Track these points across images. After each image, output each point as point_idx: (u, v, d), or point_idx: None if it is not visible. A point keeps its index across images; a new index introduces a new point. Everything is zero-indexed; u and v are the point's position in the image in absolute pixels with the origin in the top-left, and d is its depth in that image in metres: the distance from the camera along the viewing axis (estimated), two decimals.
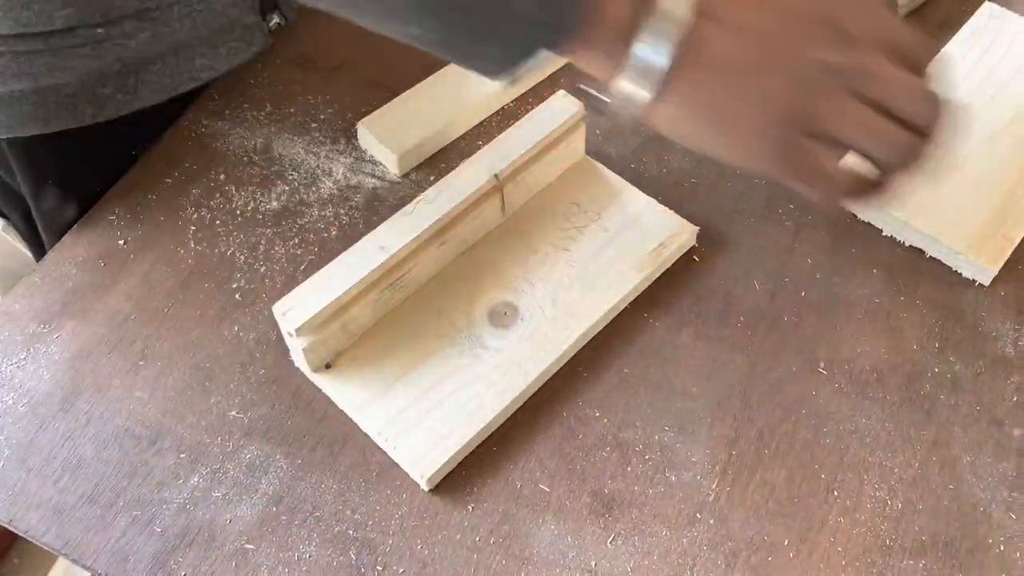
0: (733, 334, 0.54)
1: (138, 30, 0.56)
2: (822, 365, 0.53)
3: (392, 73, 0.66)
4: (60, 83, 0.56)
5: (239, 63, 0.64)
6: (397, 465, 0.49)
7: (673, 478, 0.49)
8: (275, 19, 0.67)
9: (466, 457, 0.50)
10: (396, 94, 0.64)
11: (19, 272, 0.71)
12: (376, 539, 0.47)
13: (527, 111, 0.65)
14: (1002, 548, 0.46)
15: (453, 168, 0.56)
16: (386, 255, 0.50)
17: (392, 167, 0.62)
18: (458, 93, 0.64)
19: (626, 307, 0.55)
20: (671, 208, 0.57)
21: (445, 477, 0.49)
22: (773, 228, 0.59)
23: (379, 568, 0.46)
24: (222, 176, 0.63)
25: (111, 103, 0.59)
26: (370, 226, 0.59)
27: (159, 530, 0.47)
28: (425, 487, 0.48)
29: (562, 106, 0.57)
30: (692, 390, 0.52)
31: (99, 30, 0.55)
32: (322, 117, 0.66)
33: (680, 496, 0.48)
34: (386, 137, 0.62)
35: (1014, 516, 0.47)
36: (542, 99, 0.66)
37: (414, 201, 0.53)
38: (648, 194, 0.58)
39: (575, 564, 0.46)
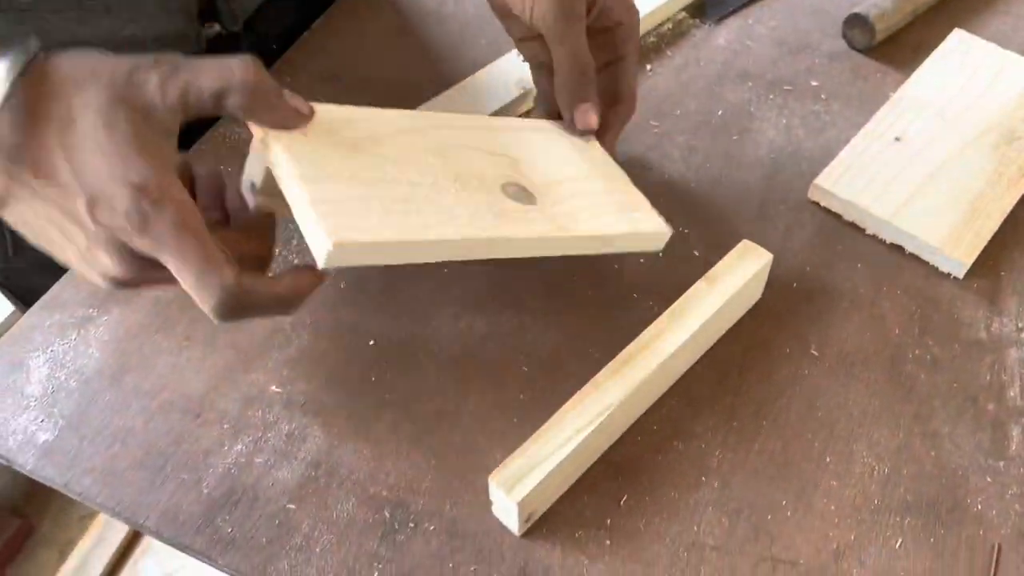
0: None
1: (65, 6, 0.58)
2: (813, 348, 0.58)
3: (416, 88, 0.72)
4: None
5: None
6: (428, 433, 0.53)
7: (680, 446, 0.53)
8: (216, 28, 0.70)
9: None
10: (418, 107, 0.70)
11: None
12: (408, 500, 0.51)
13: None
14: (979, 507, 0.51)
15: None
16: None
17: None
18: (478, 105, 0.70)
19: (635, 296, 0.60)
20: (671, 211, 0.62)
21: (468, 444, 0.53)
22: (766, 228, 0.64)
23: (411, 525, 0.50)
24: None
25: None
26: None
27: (206, 491, 0.51)
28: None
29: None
30: (696, 369, 0.56)
31: None
32: None
33: (687, 462, 0.53)
34: None
35: (989, 479, 0.52)
36: None
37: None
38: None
39: (591, 522, 0.50)
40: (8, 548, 1.45)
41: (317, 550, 0.49)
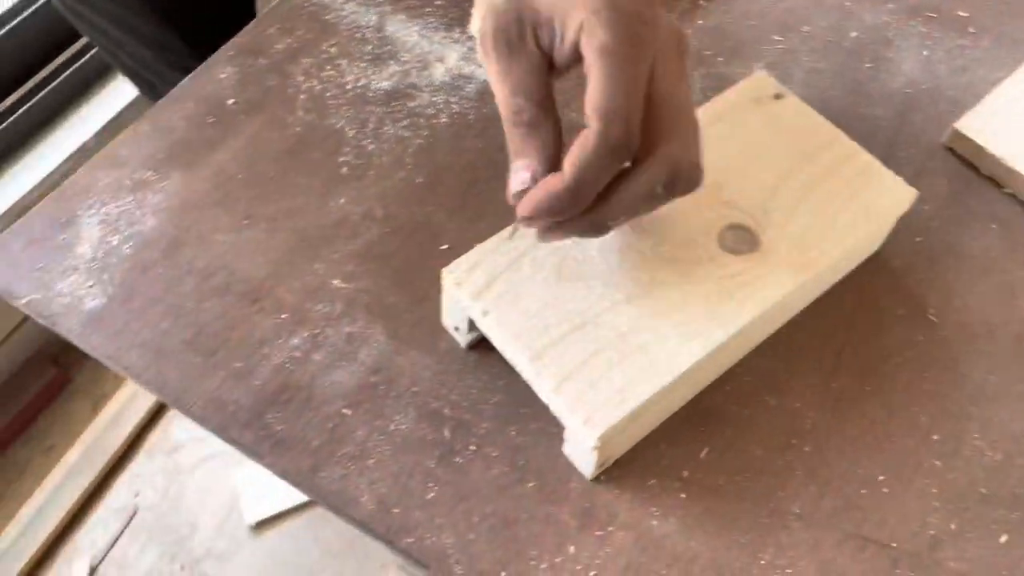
0: None
1: None
2: (931, 312, 0.52)
3: None
4: None
5: None
6: (494, 352, 0.49)
7: (772, 402, 0.49)
8: None
9: None
10: None
11: None
12: (471, 421, 0.47)
13: None
14: None
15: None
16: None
17: None
18: None
19: None
20: None
21: None
22: (893, 170, 0.57)
23: (472, 448, 0.46)
24: (334, 50, 0.61)
25: None
26: (481, 118, 0.59)
27: (258, 384, 0.48)
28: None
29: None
30: (798, 320, 0.51)
31: None
32: (437, 2, 0.64)
33: (777, 420, 0.48)
34: None
35: None
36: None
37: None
38: None
39: (667, 472, 0.46)
40: (42, 396, 1.47)
41: (371, 461, 0.46)
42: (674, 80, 0.40)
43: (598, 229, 0.42)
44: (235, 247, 0.52)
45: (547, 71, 0.41)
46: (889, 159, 0.58)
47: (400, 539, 0.44)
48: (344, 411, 0.47)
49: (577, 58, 0.40)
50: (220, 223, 0.53)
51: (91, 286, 0.50)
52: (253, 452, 0.46)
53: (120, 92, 1.37)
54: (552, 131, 0.41)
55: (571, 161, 0.39)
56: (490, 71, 0.41)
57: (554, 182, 0.39)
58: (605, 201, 0.40)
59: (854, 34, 0.64)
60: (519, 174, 0.41)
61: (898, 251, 0.54)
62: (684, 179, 0.40)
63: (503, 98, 0.41)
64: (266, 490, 1.37)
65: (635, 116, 0.38)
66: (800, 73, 0.62)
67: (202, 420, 0.47)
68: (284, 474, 0.45)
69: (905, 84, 0.62)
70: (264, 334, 0.49)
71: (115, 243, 0.52)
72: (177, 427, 1.47)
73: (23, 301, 0.49)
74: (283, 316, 0.50)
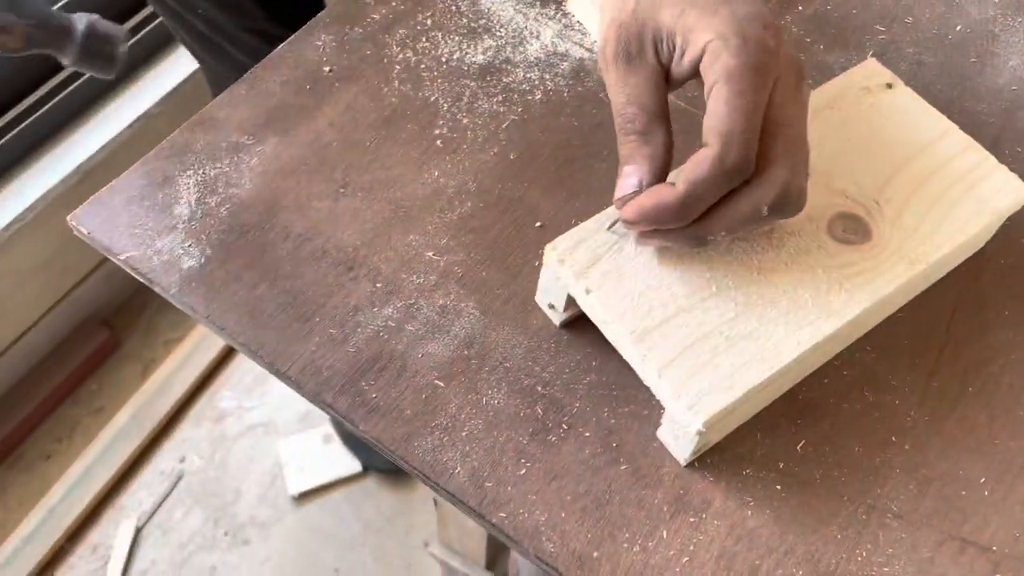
0: None
1: None
2: None
3: None
4: None
5: None
6: (587, 332, 0.49)
7: (871, 397, 0.48)
8: None
9: None
10: None
11: None
12: (564, 399, 0.47)
13: None
14: None
15: None
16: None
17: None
18: None
19: None
20: None
21: None
22: None
23: (565, 427, 0.46)
24: (429, 22, 0.61)
25: None
26: (575, 97, 0.58)
27: (352, 351, 0.48)
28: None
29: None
30: (899, 316, 0.50)
31: None
32: None
33: (876, 416, 0.47)
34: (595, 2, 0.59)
35: None
36: None
37: None
38: None
39: (763, 463, 0.46)
40: (93, 358, 1.49)
41: (463, 434, 0.46)
42: (792, 107, 0.40)
43: (697, 242, 0.42)
44: (332, 214, 0.52)
45: (663, 83, 0.42)
46: (995, 156, 0.56)
47: (493, 513, 0.44)
48: (437, 382, 0.47)
49: (694, 75, 0.41)
50: (317, 190, 0.53)
51: (189, 246, 0.50)
52: (347, 418, 0.46)
53: (183, 63, 1.38)
54: (663, 141, 0.42)
55: (685, 177, 0.40)
56: (607, 78, 0.42)
57: (665, 193, 0.40)
58: (709, 216, 0.41)
59: (959, 27, 0.62)
60: (627, 179, 0.42)
61: (1002, 250, 0.53)
62: (792, 203, 0.41)
63: (618, 106, 0.42)
64: (309, 462, 1.39)
65: (753, 141, 0.39)
66: (904, 64, 0.60)
67: (298, 385, 0.47)
68: (378, 441, 0.45)
69: (1011, 81, 0.60)
70: (359, 302, 0.49)
71: (212, 204, 0.52)
72: (223, 396, 1.49)
73: (123, 257, 0.50)
74: (378, 285, 0.50)
